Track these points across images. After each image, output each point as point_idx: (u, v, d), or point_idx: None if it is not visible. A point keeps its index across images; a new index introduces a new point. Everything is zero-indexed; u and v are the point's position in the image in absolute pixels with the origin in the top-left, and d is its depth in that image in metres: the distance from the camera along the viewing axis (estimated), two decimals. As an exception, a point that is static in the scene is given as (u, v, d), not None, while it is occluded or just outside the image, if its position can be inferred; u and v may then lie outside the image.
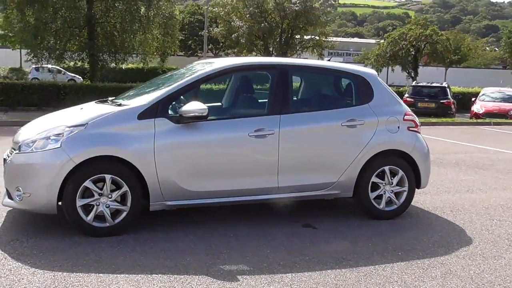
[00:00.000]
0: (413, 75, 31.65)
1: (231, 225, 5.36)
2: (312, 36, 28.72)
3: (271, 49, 27.68)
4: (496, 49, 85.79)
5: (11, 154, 5.07)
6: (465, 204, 6.63)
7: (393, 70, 32.61)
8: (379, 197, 5.76)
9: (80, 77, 31.75)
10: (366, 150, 5.61)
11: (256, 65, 5.81)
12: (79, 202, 4.79)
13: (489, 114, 21.34)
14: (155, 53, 27.27)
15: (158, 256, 4.47)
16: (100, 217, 4.90)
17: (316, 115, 5.58)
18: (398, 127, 5.80)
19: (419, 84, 22.60)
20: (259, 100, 5.70)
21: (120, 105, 5.26)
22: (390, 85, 28.22)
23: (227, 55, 56.76)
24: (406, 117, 5.88)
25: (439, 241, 5.14)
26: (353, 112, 5.69)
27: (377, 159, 5.67)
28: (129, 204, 4.92)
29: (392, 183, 5.78)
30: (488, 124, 19.19)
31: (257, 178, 5.31)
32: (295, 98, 5.57)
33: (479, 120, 20.03)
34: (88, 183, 4.79)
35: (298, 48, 28.83)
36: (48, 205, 4.76)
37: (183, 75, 5.58)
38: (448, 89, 21.81)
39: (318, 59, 26.28)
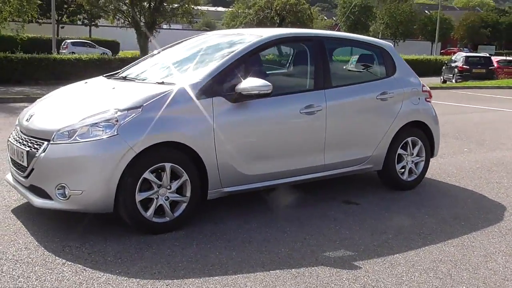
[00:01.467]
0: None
1: (273, 208, 5.06)
2: (181, 4, 27.91)
3: (140, 16, 26.36)
4: (326, 18, 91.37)
5: (35, 145, 4.22)
6: (451, 169, 6.98)
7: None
8: (402, 168, 5.84)
9: (109, 51, 33.62)
10: (396, 122, 5.62)
11: (300, 36, 5.44)
12: (139, 197, 4.17)
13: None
14: (8, 19, 24.52)
15: (248, 249, 4.06)
16: (157, 212, 4.32)
17: (353, 88, 5.43)
18: (419, 98, 5.89)
19: (470, 55, 23.39)
20: (297, 73, 5.36)
21: (162, 83, 4.62)
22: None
23: (72, 22, 53.06)
24: (424, 88, 5.98)
25: (479, 208, 5.35)
26: (384, 84, 5.64)
27: (402, 131, 5.71)
28: (188, 194, 4.39)
29: (413, 153, 5.89)
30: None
31: (307, 157, 5.06)
32: (332, 72, 5.35)
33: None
34: (147, 174, 4.18)
35: (168, 15, 27.83)
36: (105, 202, 4.07)
37: (217, 47, 5.09)
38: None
39: (188, 27, 25.75)
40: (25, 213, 4.72)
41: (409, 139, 5.80)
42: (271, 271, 3.70)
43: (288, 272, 3.70)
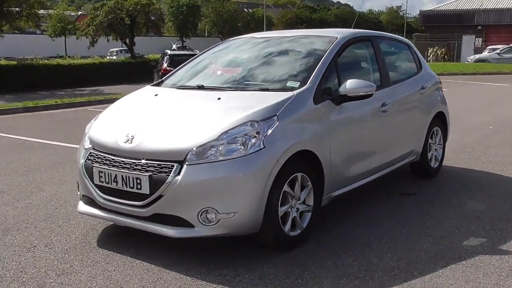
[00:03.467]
0: (128, 45, 31.13)
1: (352, 210, 5.06)
2: (24, 7, 25.46)
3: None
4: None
5: (160, 169, 3.71)
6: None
7: (108, 40, 31.33)
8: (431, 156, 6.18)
9: None
10: (430, 114, 5.95)
11: (365, 36, 5.37)
12: (280, 212, 3.91)
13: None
14: None
15: (399, 252, 4.02)
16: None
17: (406, 84, 5.62)
18: (439, 90, 6.29)
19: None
20: (367, 72, 5.33)
21: (267, 89, 4.36)
22: (103, 56, 27.00)
23: None
24: (440, 80, 6.40)
25: (515, 188, 5.88)
26: (420, 79, 5.92)
27: (432, 122, 6.05)
28: (311, 203, 4.22)
29: (436, 142, 6.27)
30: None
31: (382, 154, 5.15)
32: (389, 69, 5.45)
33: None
34: (286, 187, 3.94)
35: (12, 18, 25.23)
36: (255, 222, 3.77)
37: (293, 51, 4.97)
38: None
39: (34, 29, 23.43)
40: (118, 246, 4.18)
41: (434, 128, 6.16)
42: (454, 268, 3.72)
43: (470, 266, 3.75)
